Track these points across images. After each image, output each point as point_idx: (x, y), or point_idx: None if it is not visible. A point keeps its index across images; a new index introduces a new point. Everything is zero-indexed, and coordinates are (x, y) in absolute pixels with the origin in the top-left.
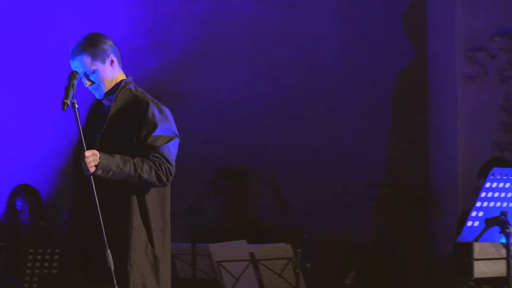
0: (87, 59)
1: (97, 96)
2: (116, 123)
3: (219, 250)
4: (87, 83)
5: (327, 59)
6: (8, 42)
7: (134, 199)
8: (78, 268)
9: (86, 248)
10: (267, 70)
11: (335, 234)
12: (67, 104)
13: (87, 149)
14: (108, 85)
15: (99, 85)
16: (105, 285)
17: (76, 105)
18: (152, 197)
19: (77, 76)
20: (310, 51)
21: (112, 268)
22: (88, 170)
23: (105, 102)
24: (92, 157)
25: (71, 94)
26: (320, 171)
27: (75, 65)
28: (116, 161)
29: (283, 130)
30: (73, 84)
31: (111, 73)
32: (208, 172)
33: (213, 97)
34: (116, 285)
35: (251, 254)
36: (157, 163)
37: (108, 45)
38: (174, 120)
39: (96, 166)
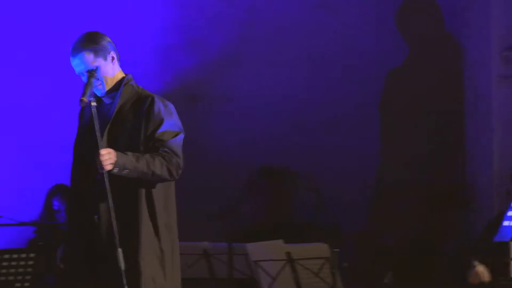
0: (88, 56)
1: (98, 94)
2: (122, 120)
3: (256, 249)
4: None
5: (363, 60)
6: (46, 42)
7: (142, 194)
8: (83, 266)
9: (92, 246)
10: (304, 70)
11: (372, 234)
12: (84, 101)
13: (90, 147)
14: (110, 83)
15: (101, 82)
16: (114, 283)
17: (93, 103)
18: (157, 192)
19: (95, 74)
20: (346, 52)
21: (123, 268)
22: (104, 168)
23: (106, 100)
24: (107, 155)
25: (88, 92)
26: (356, 170)
27: (76, 62)
28: (130, 158)
29: (320, 130)
30: (91, 82)
31: (112, 70)
32: (246, 172)
33: (249, 97)
34: (126, 284)
35: (288, 253)
36: (166, 157)
37: (108, 42)
38: (213, 120)
39: (112, 164)
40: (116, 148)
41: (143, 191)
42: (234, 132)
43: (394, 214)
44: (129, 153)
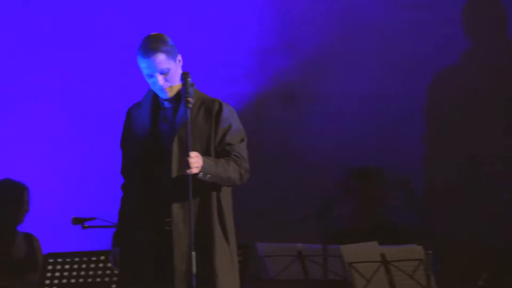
0: (162, 58)
1: (163, 96)
2: (193, 124)
3: (351, 251)
4: (162, 82)
5: (455, 60)
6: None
7: (213, 198)
8: (148, 269)
9: (156, 250)
10: (397, 71)
11: (468, 235)
12: (191, 101)
13: (157, 150)
14: (176, 86)
15: (171, 85)
16: (182, 286)
17: (190, 105)
18: (224, 195)
19: (189, 74)
20: (438, 52)
21: (194, 272)
22: (190, 171)
23: (167, 104)
24: (196, 158)
25: (191, 92)
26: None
27: (146, 64)
28: (212, 163)
29: (415, 131)
30: (188, 82)
31: (179, 73)
32: (340, 173)
33: (344, 98)
34: (194, 286)
35: (383, 255)
36: (238, 162)
37: (174, 44)
38: (309, 121)
39: (198, 168)
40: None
41: (214, 195)
42: (329, 132)
43: (496, 215)
44: (211, 158)
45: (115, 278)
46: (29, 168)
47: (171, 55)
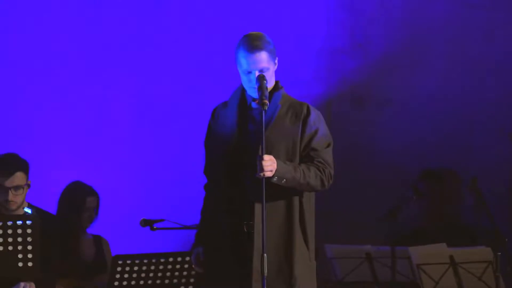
0: (264, 56)
1: (254, 96)
2: (279, 126)
3: (419, 253)
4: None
5: None
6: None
7: (295, 202)
8: (231, 270)
9: (237, 251)
10: (468, 72)
11: None
12: (267, 103)
13: (238, 150)
14: (269, 88)
15: (267, 85)
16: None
17: (266, 107)
18: (306, 200)
19: (265, 77)
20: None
21: (265, 274)
22: (263, 174)
23: (254, 104)
24: (269, 161)
25: (266, 94)
26: None
27: (249, 60)
28: (289, 168)
29: (485, 132)
30: (265, 84)
31: (274, 75)
32: (410, 174)
33: (414, 99)
34: None
35: (451, 257)
36: (321, 168)
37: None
38: (378, 122)
39: (272, 172)
40: (275, 155)
41: (296, 199)
42: (398, 134)
43: None
44: (288, 163)
45: (183, 280)
46: (98, 170)
47: (272, 56)
